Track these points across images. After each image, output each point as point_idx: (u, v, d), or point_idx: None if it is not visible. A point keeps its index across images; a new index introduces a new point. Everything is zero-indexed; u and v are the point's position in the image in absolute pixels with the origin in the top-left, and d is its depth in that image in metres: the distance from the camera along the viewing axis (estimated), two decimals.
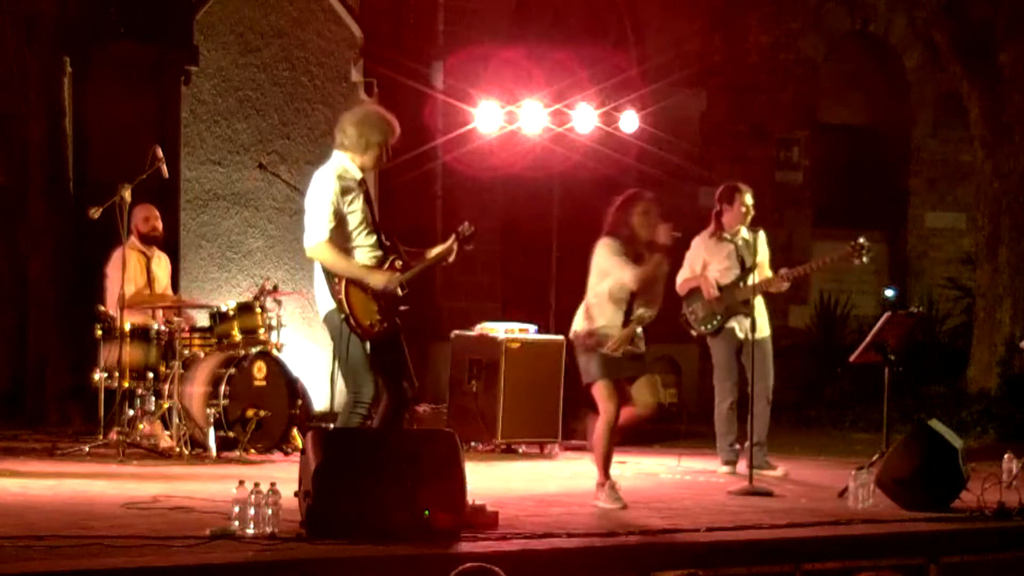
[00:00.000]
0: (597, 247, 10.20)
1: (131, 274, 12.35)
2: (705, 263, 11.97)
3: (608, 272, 10.07)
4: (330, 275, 9.08)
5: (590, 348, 10.00)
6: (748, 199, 11.90)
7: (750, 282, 11.67)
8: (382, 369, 9.11)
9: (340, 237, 9.07)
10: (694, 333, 12.08)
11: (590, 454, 10.52)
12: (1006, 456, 10.84)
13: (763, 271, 11.92)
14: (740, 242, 11.86)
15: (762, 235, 11.95)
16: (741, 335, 11.77)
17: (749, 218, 11.90)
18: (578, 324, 10.17)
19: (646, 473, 12.14)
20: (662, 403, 10.31)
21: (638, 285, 9.95)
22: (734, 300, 11.75)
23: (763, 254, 11.94)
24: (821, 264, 12.50)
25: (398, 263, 9.19)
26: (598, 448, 9.99)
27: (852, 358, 11.70)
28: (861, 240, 11.88)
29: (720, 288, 11.83)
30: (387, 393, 9.16)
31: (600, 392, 9.95)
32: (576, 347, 10.19)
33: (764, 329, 11.82)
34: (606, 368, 9.94)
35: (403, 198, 15.52)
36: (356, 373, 9.08)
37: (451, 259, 9.50)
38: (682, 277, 12.03)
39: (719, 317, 11.81)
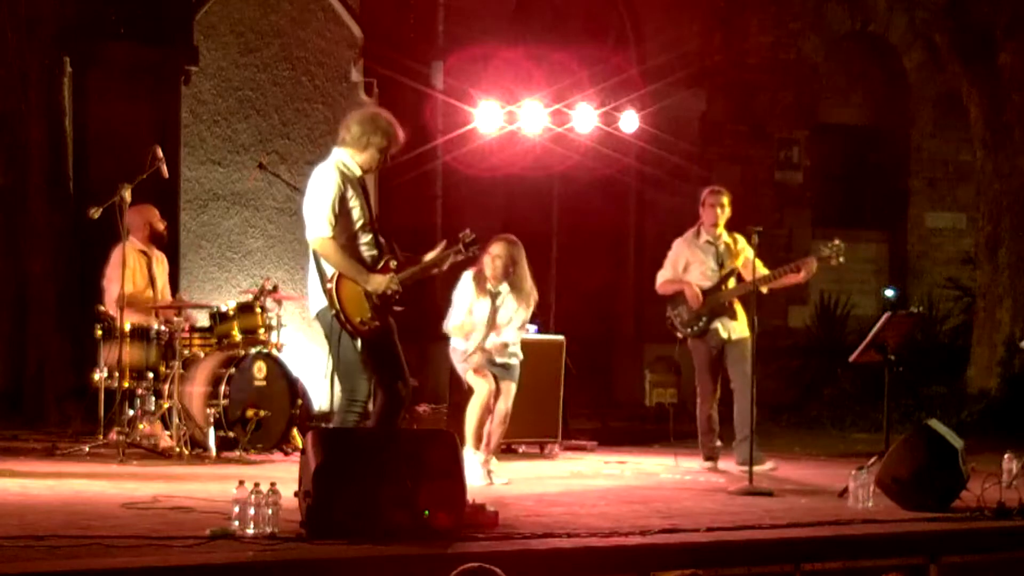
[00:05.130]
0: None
1: (131, 274, 12.33)
2: (687, 264, 12.28)
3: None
4: (322, 272, 9.07)
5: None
6: (724, 199, 12.24)
7: (731, 286, 12.13)
8: (376, 368, 9.10)
9: (339, 232, 9.07)
10: (679, 335, 12.31)
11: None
12: (1006, 456, 10.83)
13: (755, 269, 12.02)
14: (721, 246, 12.21)
15: (741, 238, 12.17)
16: (725, 335, 12.13)
17: (723, 219, 12.22)
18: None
19: (646, 473, 12.15)
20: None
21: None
22: (717, 303, 12.10)
23: (749, 255, 11.99)
24: (791, 271, 12.36)
25: (392, 263, 9.17)
26: None
27: (852, 358, 11.72)
28: (837, 241, 12.13)
29: (704, 292, 12.04)
30: (382, 392, 9.15)
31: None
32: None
33: (742, 330, 12.10)
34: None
35: (403, 198, 15.53)
36: (349, 371, 9.08)
37: (444, 267, 9.52)
38: (663, 277, 12.42)
39: (703, 320, 12.11)
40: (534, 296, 11.47)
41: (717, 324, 12.11)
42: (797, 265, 12.27)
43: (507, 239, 11.39)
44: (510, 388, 11.29)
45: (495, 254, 11.26)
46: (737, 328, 12.14)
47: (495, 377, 11.24)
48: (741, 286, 12.12)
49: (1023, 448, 11.27)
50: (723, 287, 12.15)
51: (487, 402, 11.18)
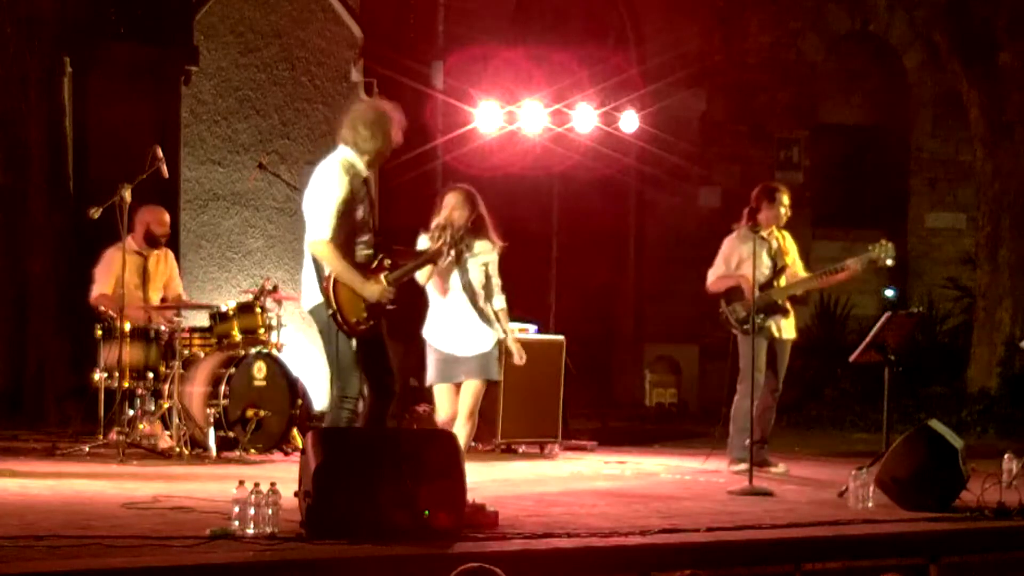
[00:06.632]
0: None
1: (121, 274, 12.23)
2: (740, 260, 12.05)
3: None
4: (320, 269, 9.08)
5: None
6: (787, 199, 12.09)
7: (782, 283, 12.00)
8: (367, 366, 9.11)
9: (339, 232, 9.07)
10: (735, 332, 12.08)
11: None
12: (1006, 456, 10.84)
13: (797, 270, 12.09)
14: (774, 242, 12.08)
15: (789, 236, 12.16)
16: (776, 333, 12.01)
17: (786, 219, 12.13)
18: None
19: (646, 473, 12.14)
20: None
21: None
22: (771, 300, 11.89)
23: (794, 254, 12.12)
24: (848, 269, 12.32)
25: (386, 262, 9.17)
26: None
27: (852, 358, 11.72)
28: (884, 241, 12.09)
29: (760, 288, 11.88)
30: (371, 388, 9.15)
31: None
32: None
33: (790, 331, 12.10)
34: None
35: (403, 198, 15.52)
36: (343, 369, 9.08)
37: (441, 261, 9.54)
38: (715, 274, 12.18)
39: (760, 316, 11.78)
40: (496, 236, 9.88)
41: (771, 321, 11.94)
42: (840, 267, 12.17)
43: (459, 187, 9.90)
44: (469, 387, 9.86)
45: (452, 204, 9.76)
46: (787, 327, 12.06)
47: (456, 387, 9.87)
48: (791, 285, 12.04)
49: (1023, 448, 11.28)
50: (775, 284, 12.00)
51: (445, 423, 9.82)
